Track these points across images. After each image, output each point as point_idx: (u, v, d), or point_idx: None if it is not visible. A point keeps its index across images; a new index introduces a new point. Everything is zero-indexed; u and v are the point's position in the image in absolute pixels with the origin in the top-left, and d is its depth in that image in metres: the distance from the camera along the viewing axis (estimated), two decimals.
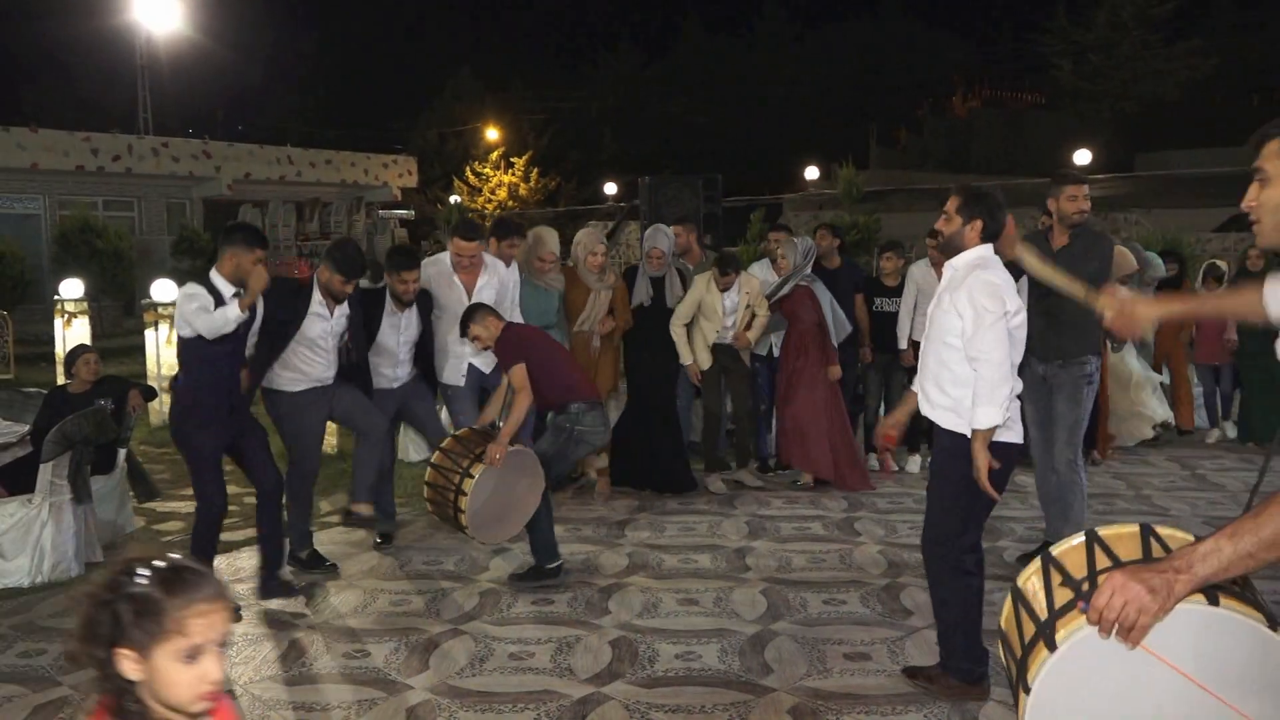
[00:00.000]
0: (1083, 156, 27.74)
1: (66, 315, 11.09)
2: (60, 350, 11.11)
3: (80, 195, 23.22)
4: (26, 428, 5.72)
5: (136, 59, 27.28)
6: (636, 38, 49.23)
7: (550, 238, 6.50)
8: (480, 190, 37.83)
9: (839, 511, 6.34)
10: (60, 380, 10.63)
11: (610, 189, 37.79)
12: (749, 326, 6.88)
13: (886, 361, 7.29)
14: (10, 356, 14.45)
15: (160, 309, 10.11)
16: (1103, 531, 1.98)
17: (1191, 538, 1.82)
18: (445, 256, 5.79)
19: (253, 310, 4.61)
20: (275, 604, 4.73)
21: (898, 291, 7.20)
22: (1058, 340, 4.97)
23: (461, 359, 5.75)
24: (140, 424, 6.99)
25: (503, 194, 37.91)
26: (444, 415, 6.20)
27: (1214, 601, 1.70)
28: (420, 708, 3.66)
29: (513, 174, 38.22)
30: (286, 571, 4.95)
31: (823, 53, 47.80)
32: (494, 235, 6.11)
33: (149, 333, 10.24)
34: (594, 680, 3.87)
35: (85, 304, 11.35)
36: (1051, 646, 1.84)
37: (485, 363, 5.71)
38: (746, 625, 4.41)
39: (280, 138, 29.49)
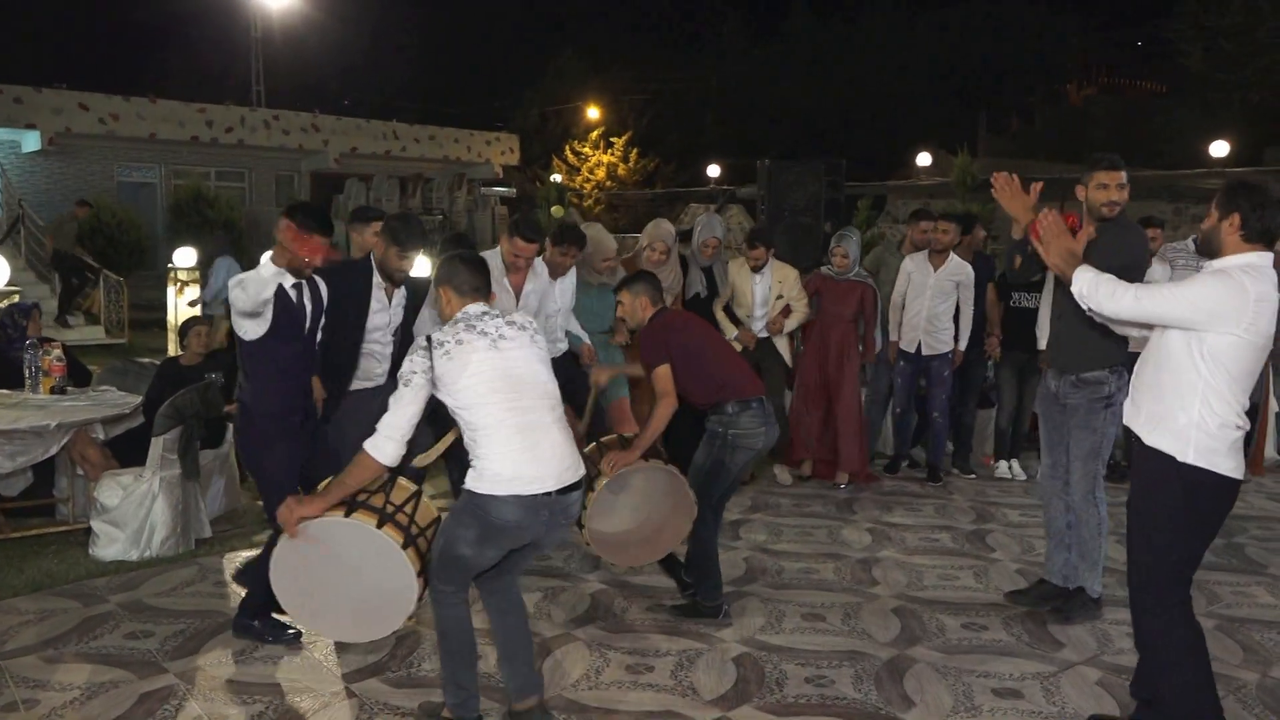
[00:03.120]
0: (1219, 148, 26.02)
1: (179, 284, 11.23)
2: (172, 317, 11.28)
3: (194, 165, 23.79)
4: (139, 399, 5.68)
5: (251, 32, 27.85)
6: (742, 20, 48.37)
7: (608, 240, 5.90)
8: (579, 169, 37.75)
9: (967, 523, 5.94)
10: (172, 348, 10.83)
11: (714, 171, 37.21)
12: (786, 314, 6.56)
13: (1023, 361, 6.80)
14: (125, 321, 14.86)
15: None
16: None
17: (413, 487, 3.38)
18: (497, 255, 4.98)
19: (318, 299, 4.01)
20: None
21: (1038, 286, 6.70)
22: (1069, 349, 4.24)
23: None
24: None
25: (601, 174, 37.76)
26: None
27: (349, 515, 3.17)
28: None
29: (612, 154, 38.01)
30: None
31: (932, 36, 46.29)
32: (553, 241, 5.20)
33: None
34: (720, 702, 3.57)
35: (197, 273, 11.50)
36: (277, 545, 3.32)
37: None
38: (880, 649, 4.07)
39: (386, 112, 29.75)
